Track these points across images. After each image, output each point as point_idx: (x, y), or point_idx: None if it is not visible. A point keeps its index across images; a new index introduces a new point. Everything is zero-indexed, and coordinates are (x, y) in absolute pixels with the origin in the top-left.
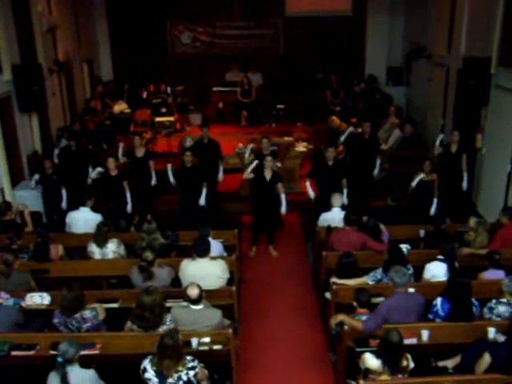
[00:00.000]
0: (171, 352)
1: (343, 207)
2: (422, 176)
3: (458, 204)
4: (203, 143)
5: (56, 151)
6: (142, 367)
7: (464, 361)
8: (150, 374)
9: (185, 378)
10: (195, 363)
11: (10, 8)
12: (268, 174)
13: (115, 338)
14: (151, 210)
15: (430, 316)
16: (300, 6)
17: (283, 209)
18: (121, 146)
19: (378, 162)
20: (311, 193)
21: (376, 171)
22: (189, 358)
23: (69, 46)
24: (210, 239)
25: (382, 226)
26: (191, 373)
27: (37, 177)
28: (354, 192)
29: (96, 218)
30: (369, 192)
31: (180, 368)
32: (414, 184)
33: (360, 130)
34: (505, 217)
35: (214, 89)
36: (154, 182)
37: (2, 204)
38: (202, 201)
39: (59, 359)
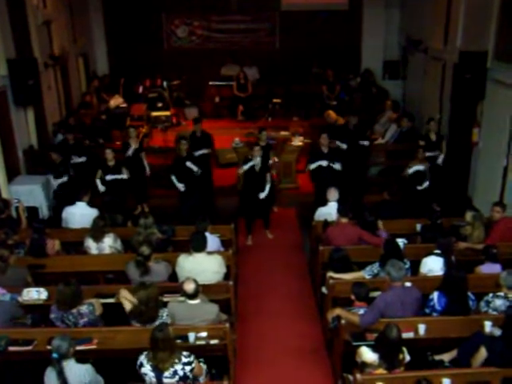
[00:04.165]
0: (163, 344)
1: (339, 201)
2: (420, 167)
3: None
4: (196, 136)
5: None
6: (138, 362)
7: (460, 354)
8: (147, 368)
9: (181, 372)
10: (191, 359)
11: (5, 2)
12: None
13: (112, 332)
14: (145, 201)
15: (427, 310)
16: (296, 0)
17: (262, 194)
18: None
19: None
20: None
21: (366, 142)
22: (185, 353)
23: (64, 40)
24: (207, 234)
25: (380, 225)
26: (187, 368)
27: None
28: (348, 187)
29: (92, 212)
30: (362, 187)
31: (176, 362)
32: (410, 171)
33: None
34: (497, 209)
35: (211, 83)
36: (148, 171)
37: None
38: (195, 168)
39: (54, 355)
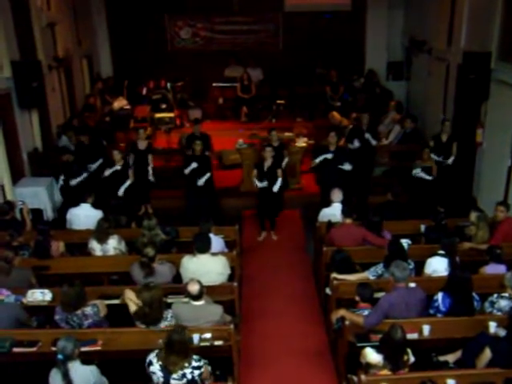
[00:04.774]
0: (179, 347)
1: (343, 202)
2: (418, 170)
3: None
4: (196, 137)
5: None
6: (147, 360)
7: (465, 355)
8: (156, 367)
9: (189, 376)
10: (201, 363)
11: (9, 4)
12: (267, 164)
13: (117, 334)
14: (148, 202)
15: (431, 311)
16: (299, 1)
17: (275, 187)
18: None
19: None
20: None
21: (374, 141)
22: (196, 357)
23: (68, 42)
24: (211, 235)
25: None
26: (196, 372)
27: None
28: (352, 188)
29: (96, 214)
30: (367, 188)
31: (186, 365)
32: (415, 173)
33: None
34: (501, 209)
35: (214, 84)
36: (151, 178)
37: (4, 205)
38: (201, 182)
39: (59, 356)
